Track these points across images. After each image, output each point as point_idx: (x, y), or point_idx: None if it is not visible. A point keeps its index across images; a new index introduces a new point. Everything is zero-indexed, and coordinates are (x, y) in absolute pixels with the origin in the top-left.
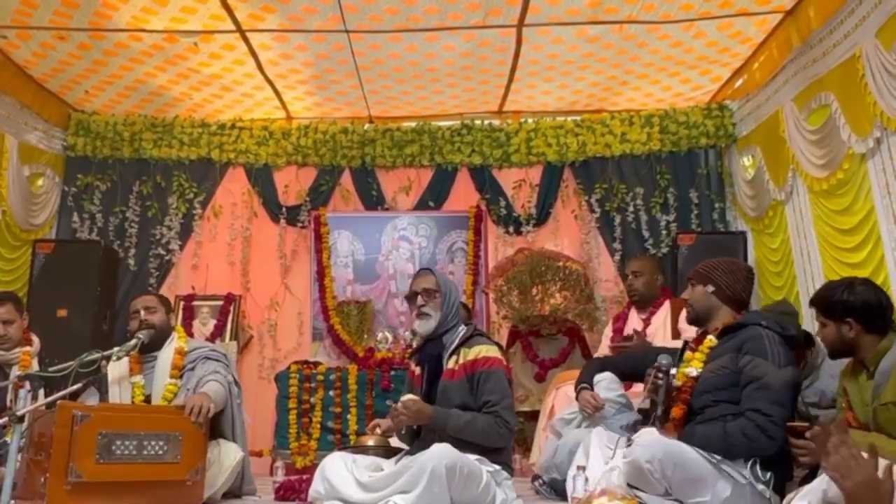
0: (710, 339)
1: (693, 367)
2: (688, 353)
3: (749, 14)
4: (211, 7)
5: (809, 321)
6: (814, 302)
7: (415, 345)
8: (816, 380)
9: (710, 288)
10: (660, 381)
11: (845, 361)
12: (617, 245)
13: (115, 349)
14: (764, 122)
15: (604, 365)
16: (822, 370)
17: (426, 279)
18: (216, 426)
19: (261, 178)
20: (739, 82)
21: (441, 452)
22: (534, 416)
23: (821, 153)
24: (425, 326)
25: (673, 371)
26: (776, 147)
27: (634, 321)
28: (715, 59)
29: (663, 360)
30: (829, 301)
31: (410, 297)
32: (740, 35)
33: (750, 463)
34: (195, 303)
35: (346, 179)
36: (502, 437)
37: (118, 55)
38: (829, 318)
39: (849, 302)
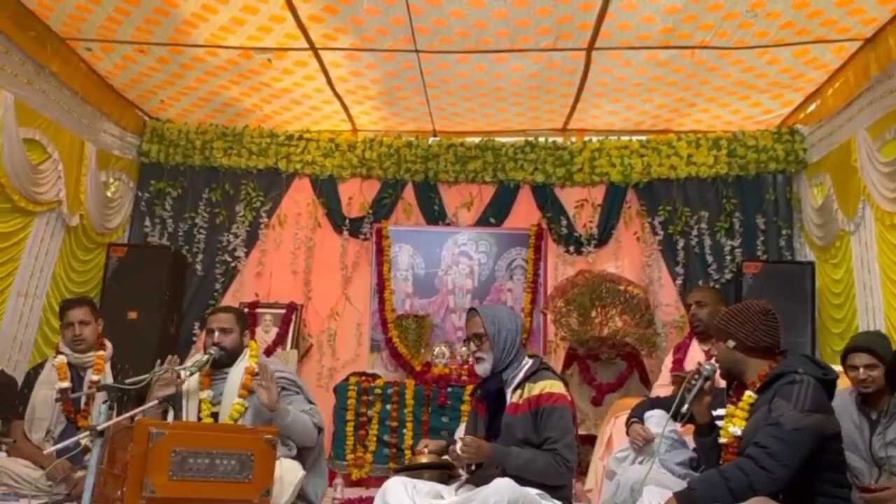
0: (749, 396)
1: (737, 426)
2: (729, 408)
3: (827, 41)
4: (286, 27)
5: None
6: None
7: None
8: None
9: (731, 343)
10: (694, 383)
11: None
12: (679, 269)
13: (189, 364)
14: (835, 150)
15: (655, 404)
16: None
17: (473, 323)
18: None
19: (325, 190)
20: (812, 107)
21: (504, 487)
22: (590, 440)
23: (893, 186)
24: (481, 369)
25: (707, 377)
26: (847, 176)
27: (696, 352)
28: (788, 84)
29: (707, 366)
30: None
31: (466, 341)
32: (816, 61)
33: None
34: (258, 310)
35: (409, 193)
36: (562, 475)
37: (194, 68)
38: None
39: None
